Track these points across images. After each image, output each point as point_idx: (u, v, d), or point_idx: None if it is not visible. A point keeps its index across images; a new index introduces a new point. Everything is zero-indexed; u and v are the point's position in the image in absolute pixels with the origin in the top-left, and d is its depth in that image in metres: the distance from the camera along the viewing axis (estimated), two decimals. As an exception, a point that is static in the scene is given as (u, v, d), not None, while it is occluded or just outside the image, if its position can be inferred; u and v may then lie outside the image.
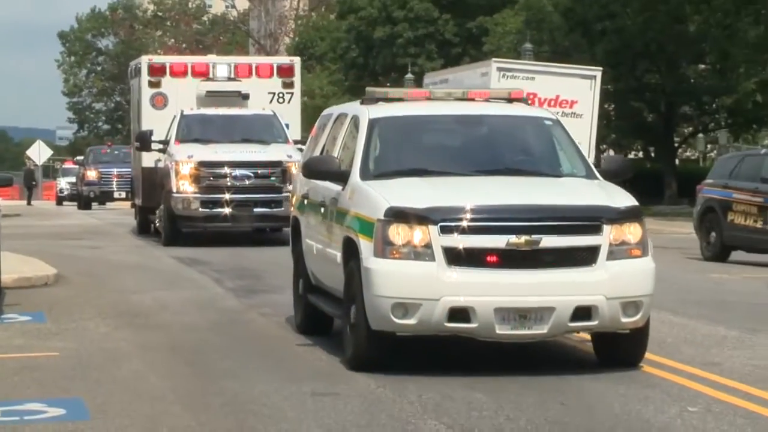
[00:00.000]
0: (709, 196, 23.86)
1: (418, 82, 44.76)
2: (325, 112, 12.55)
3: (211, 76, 18.74)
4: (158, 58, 18.36)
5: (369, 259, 8.43)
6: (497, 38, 52.75)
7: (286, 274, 13.65)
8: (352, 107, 11.21)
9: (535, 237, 8.27)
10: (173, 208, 15.50)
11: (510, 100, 10.91)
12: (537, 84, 29.35)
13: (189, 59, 19.30)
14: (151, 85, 18.27)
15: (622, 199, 9.10)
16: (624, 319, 8.55)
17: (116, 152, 52.53)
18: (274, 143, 17.44)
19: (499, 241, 8.29)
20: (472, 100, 10.92)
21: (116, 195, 47.15)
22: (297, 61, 20.01)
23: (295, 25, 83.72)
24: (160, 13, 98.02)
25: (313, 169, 10.13)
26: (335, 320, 10.77)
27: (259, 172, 16.13)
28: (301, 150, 17.48)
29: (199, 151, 16.02)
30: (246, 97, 19.07)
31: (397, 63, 61.84)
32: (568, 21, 46.92)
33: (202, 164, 15.63)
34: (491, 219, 8.49)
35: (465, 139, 10.72)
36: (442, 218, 8.30)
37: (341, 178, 9.64)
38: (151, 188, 17.64)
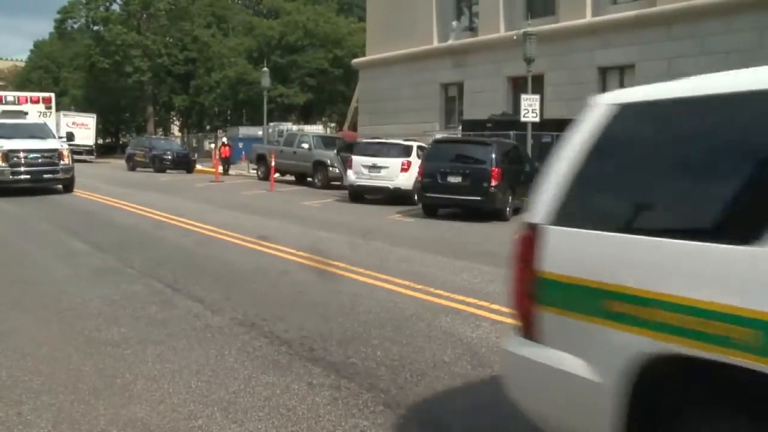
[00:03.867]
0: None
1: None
2: None
3: (3, 101, 22.17)
4: None
5: None
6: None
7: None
8: None
9: None
10: None
11: None
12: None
13: None
14: None
15: None
16: None
17: None
18: (49, 138, 18.84)
19: None
20: None
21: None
22: (52, 95, 25.08)
23: None
24: None
25: None
26: None
27: (45, 154, 17.72)
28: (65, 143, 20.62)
29: (6, 144, 17.37)
30: (26, 113, 21.67)
31: None
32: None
33: (10, 150, 17.20)
34: None
35: None
36: None
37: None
38: None
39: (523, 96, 18.44)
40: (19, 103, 22.15)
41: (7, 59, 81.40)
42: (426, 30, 28.13)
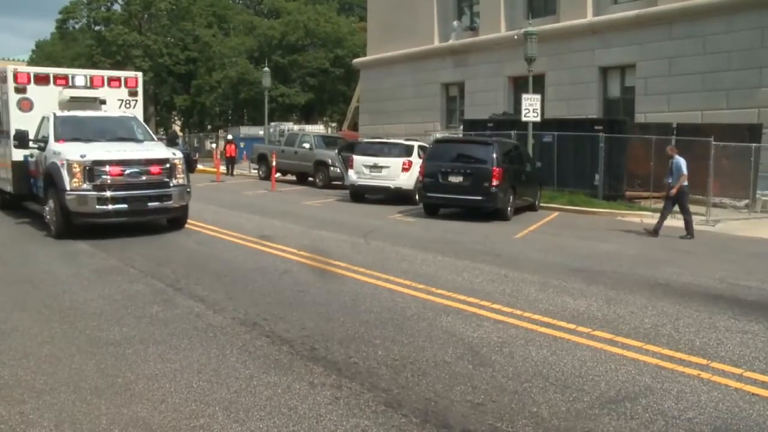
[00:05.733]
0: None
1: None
2: None
3: (70, 84, 13.42)
4: (22, 68, 13.71)
5: None
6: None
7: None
8: None
9: None
10: (68, 206, 10.42)
11: None
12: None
13: (50, 70, 14.06)
14: (17, 91, 12.85)
15: None
16: None
17: None
18: (147, 141, 11.99)
19: None
20: None
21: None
22: (139, 75, 14.79)
23: None
24: None
25: None
26: None
27: (151, 169, 10.89)
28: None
29: (88, 151, 10.69)
30: (103, 102, 13.70)
31: None
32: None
33: (97, 163, 10.47)
34: None
35: None
36: None
37: None
38: (21, 179, 12.76)
39: (524, 95, 18.42)
40: (92, 87, 13.76)
41: (8, 59, 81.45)
42: (427, 30, 28.12)
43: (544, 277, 8.26)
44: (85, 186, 10.48)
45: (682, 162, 12.78)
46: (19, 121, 12.69)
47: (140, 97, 14.41)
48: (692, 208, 16.54)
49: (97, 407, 4.12)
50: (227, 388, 4.44)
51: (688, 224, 12.91)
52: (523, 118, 18.35)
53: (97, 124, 12.22)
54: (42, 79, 13.25)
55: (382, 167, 17.73)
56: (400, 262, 9.07)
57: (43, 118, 12.24)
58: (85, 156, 10.55)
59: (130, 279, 7.68)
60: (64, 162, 10.54)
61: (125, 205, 10.66)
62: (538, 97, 18.49)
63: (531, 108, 18.13)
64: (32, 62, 65.35)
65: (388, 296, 7.03)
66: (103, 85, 13.91)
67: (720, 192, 16.55)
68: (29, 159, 12.46)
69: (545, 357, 5.16)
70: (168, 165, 11.11)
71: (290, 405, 4.16)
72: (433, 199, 14.99)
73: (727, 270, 9.22)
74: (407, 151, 18.15)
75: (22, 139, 11.76)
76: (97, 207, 10.50)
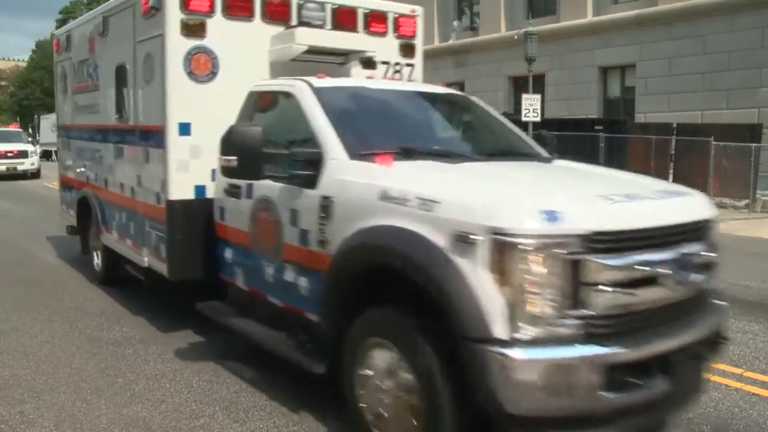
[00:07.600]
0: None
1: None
2: None
3: (294, 20, 5.00)
4: None
5: None
6: None
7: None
8: None
9: None
10: (507, 402, 2.33)
11: None
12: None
13: None
14: (188, 31, 4.47)
15: None
16: None
17: None
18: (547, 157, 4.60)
19: None
20: None
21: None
22: (420, 12, 6.00)
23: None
24: None
25: None
26: None
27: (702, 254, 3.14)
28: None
29: (562, 200, 2.48)
30: (369, 62, 5.49)
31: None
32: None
33: (624, 240, 2.36)
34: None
35: None
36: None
37: None
38: (191, 246, 4.91)
39: (524, 95, 18.41)
40: (340, 27, 5.47)
41: (8, 59, 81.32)
42: (427, 30, 28.07)
43: (544, 277, 8.22)
44: (565, 325, 2.68)
45: None
46: (187, 100, 5.00)
47: (419, 59, 6.52)
48: (692, 208, 16.48)
49: (97, 407, 4.12)
50: (227, 387, 4.43)
51: None
52: (523, 118, 18.34)
53: (417, 112, 5.12)
54: (241, 6, 5.23)
55: (382, 167, 17.61)
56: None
57: (252, 96, 4.81)
58: (567, 217, 2.68)
59: (129, 278, 7.61)
60: (488, 243, 2.70)
61: (666, 381, 2.98)
62: (538, 97, 18.48)
63: (531, 108, 18.12)
64: (32, 62, 64.92)
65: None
66: (355, 26, 5.89)
67: (720, 192, 16.53)
68: (219, 201, 4.90)
69: (545, 357, 5.13)
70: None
71: (291, 405, 4.15)
72: (433, 199, 14.91)
73: (727, 270, 9.17)
74: (407, 151, 18.03)
75: (249, 156, 3.78)
76: (605, 395, 2.72)
